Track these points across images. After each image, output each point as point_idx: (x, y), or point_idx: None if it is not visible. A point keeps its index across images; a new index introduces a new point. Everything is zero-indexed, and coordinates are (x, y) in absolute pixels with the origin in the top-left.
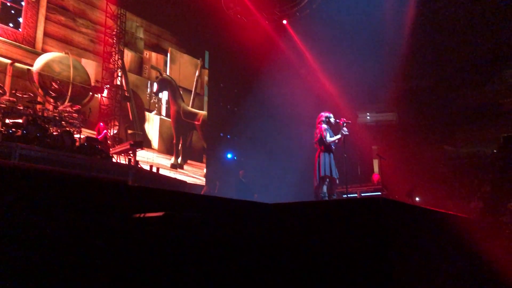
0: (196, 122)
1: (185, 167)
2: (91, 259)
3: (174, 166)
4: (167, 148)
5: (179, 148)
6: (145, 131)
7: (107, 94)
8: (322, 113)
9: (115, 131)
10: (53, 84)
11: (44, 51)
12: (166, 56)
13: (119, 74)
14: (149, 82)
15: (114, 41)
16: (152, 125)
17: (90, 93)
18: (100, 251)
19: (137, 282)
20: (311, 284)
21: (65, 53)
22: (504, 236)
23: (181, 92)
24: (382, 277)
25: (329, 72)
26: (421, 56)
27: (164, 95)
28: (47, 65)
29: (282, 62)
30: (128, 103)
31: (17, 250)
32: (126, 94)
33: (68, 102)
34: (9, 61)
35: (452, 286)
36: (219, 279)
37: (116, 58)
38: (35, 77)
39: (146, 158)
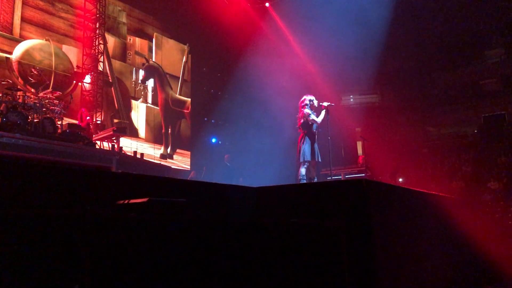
0: (186, 110)
1: (174, 156)
2: (75, 247)
3: (163, 157)
4: (155, 137)
5: (168, 137)
6: (131, 120)
7: (90, 80)
8: (305, 96)
9: (100, 120)
10: (33, 71)
11: (22, 37)
12: (151, 41)
13: (101, 59)
14: (134, 68)
15: (96, 25)
16: (138, 114)
17: (74, 82)
18: (84, 238)
19: (122, 268)
20: (296, 265)
21: (46, 40)
22: (485, 214)
23: (168, 79)
24: (366, 258)
25: (312, 55)
26: (403, 37)
27: (150, 83)
28: (27, 53)
29: (265, 46)
30: (113, 91)
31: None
32: (110, 80)
33: (64, 109)
34: None
35: (436, 264)
36: (204, 264)
37: (97, 43)
38: (15, 66)
39: (134, 148)
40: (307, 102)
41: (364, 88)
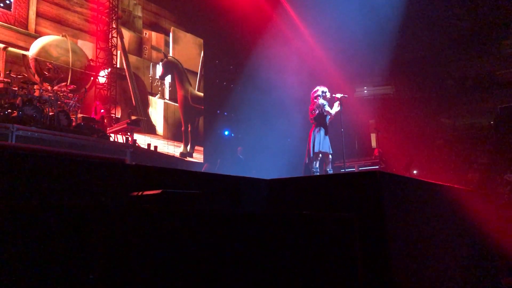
0: (204, 107)
1: (194, 154)
2: (90, 238)
3: (183, 155)
4: (173, 134)
5: (188, 135)
6: (149, 116)
7: (103, 74)
8: (318, 87)
9: (114, 114)
10: (49, 65)
11: (37, 33)
12: (167, 36)
13: (115, 53)
14: (151, 64)
15: (109, 19)
16: (156, 110)
17: (92, 78)
18: (98, 229)
19: (136, 259)
20: (308, 258)
21: (63, 35)
22: (502, 206)
23: (187, 75)
24: (379, 250)
25: (325, 46)
26: (417, 28)
27: (167, 78)
28: (43, 50)
29: (278, 37)
30: (130, 87)
31: (15, 231)
32: (127, 75)
33: (78, 102)
34: (1, 45)
35: (449, 257)
36: (217, 255)
37: (110, 37)
38: (31, 63)
39: (152, 147)
40: (320, 93)
41: (378, 80)
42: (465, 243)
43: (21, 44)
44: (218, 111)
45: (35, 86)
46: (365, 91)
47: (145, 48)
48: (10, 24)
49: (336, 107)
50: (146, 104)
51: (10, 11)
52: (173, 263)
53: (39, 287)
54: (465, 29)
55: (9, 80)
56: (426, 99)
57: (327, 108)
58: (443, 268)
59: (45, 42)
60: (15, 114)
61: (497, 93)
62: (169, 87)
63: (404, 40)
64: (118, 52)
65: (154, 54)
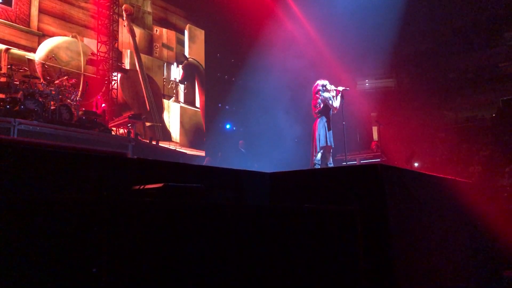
0: None
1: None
2: (92, 231)
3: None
4: (190, 140)
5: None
6: (164, 122)
7: (103, 67)
8: (318, 81)
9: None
10: (60, 77)
11: (40, 30)
12: (180, 33)
13: (118, 47)
14: (164, 64)
15: (113, 11)
16: (171, 115)
17: (106, 82)
18: (100, 223)
19: (138, 252)
20: (310, 251)
21: (73, 36)
22: (502, 199)
23: None
24: (381, 242)
25: (327, 39)
26: (419, 20)
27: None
28: (52, 53)
29: (280, 30)
30: (143, 90)
31: (16, 224)
32: (140, 76)
33: (80, 96)
34: (2, 47)
35: (453, 249)
36: (219, 249)
37: (111, 30)
38: (38, 69)
39: None
40: (320, 87)
41: (380, 72)
42: (467, 236)
43: (23, 42)
44: (220, 105)
45: (36, 80)
46: (367, 84)
47: (156, 46)
48: (11, 22)
49: (338, 100)
50: (160, 109)
51: (11, 7)
52: (175, 256)
53: (42, 280)
54: (467, 22)
55: (10, 74)
56: (428, 91)
57: (331, 101)
58: (445, 260)
59: (54, 45)
60: (17, 108)
61: (499, 85)
62: (184, 89)
63: (406, 33)
64: (128, 51)
65: (165, 52)
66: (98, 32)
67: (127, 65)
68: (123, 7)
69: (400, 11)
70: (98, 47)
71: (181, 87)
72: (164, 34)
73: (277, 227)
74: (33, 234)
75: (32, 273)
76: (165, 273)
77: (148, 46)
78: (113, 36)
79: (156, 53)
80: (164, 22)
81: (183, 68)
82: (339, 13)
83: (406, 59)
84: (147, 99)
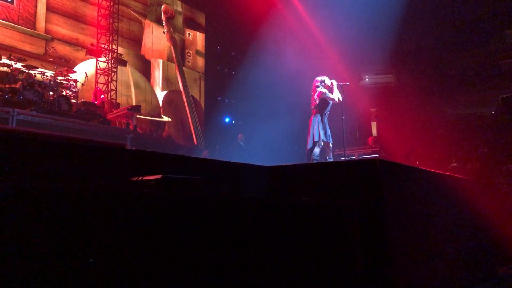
0: None
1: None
2: (89, 222)
3: None
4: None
5: None
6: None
7: (105, 60)
8: (317, 78)
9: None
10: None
11: (48, 32)
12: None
13: (116, 38)
14: (200, 76)
15: (110, 3)
16: None
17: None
18: (98, 213)
19: (135, 243)
20: (307, 244)
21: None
22: (501, 196)
23: None
24: (379, 237)
25: (327, 34)
26: (419, 16)
27: None
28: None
29: (280, 24)
30: (188, 112)
31: (15, 214)
32: (185, 99)
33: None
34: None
35: (447, 245)
36: (217, 241)
37: (111, 22)
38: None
39: None
40: (319, 83)
41: (380, 68)
42: (463, 232)
43: (27, 48)
44: (219, 98)
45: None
46: (367, 80)
47: (189, 54)
48: (13, 22)
49: (336, 92)
50: (203, 125)
51: (13, 4)
52: (173, 248)
53: (39, 270)
54: (468, 18)
55: (10, 64)
56: (428, 88)
57: (328, 94)
58: (441, 256)
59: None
60: (15, 98)
61: (499, 82)
62: None
63: (406, 29)
64: (160, 61)
65: (200, 61)
66: (97, 22)
67: (159, 79)
68: (162, 8)
69: (401, 7)
70: (98, 38)
71: None
72: (198, 38)
73: (275, 219)
74: (30, 223)
75: (28, 263)
76: (163, 264)
77: (180, 54)
78: (113, 28)
79: (188, 61)
80: (191, 23)
81: None
82: (339, 8)
83: (406, 55)
84: (193, 128)
